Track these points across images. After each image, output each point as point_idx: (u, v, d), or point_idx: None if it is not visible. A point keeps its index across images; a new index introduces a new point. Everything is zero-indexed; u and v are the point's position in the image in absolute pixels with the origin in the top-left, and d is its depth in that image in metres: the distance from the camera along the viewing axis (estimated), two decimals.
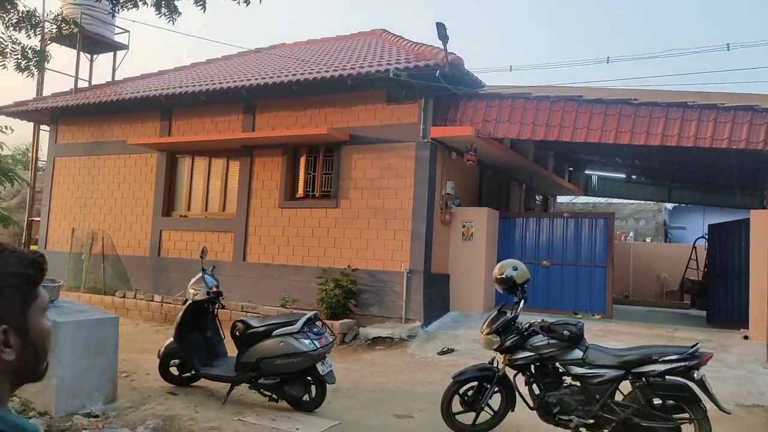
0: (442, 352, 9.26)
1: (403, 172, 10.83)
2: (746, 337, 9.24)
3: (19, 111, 15.06)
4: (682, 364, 5.00)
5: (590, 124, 9.63)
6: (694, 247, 14.77)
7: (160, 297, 12.32)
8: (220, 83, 12.31)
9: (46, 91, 16.74)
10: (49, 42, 9.76)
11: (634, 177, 16.08)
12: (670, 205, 19.72)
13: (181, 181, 13.63)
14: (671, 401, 5.09)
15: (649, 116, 9.24)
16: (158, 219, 13.52)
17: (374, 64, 10.93)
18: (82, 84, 16.79)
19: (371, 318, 10.71)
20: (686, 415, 5.02)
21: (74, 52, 16.28)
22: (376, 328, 10.21)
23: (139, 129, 13.94)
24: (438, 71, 9.84)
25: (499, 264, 5.97)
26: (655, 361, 5.07)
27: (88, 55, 17.79)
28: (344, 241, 11.21)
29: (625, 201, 19.00)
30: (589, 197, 18.67)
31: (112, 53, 17.98)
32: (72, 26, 8.84)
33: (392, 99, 10.92)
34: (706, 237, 12.71)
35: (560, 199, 18.92)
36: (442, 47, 9.98)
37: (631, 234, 19.27)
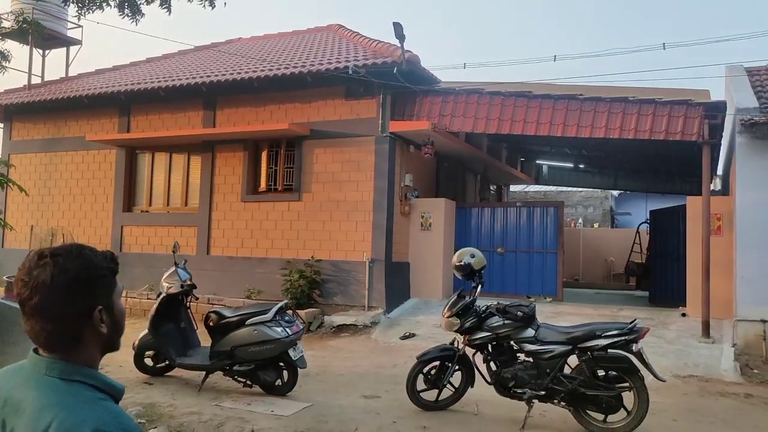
0: (405, 337, 9.72)
1: (364, 166, 11.22)
2: (684, 315, 9.99)
3: None
4: (622, 338, 5.56)
5: (540, 118, 10.20)
6: (637, 232, 15.62)
7: (124, 292, 12.43)
8: (179, 79, 12.44)
9: None
10: (3, 40, 9.72)
11: (582, 166, 16.86)
12: (616, 193, 20.66)
13: (142, 176, 13.71)
14: (613, 372, 5.65)
15: (594, 110, 9.86)
16: (119, 214, 13.59)
17: (333, 61, 11.26)
18: (35, 80, 16.57)
19: (335, 307, 11.10)
20: (626, 384, 5.58)
21: (25, 47, 16.06)
22: (340, 316, 10.62)
23: (97, 125, 13.94)
24: (395, 69, 10.25)
25: (458, 252, 6.45)
26: (598, 337, 5.63)
27: (40, 51, 17.54)
28: (307, 233, 11.55)
29: (575, 189, 19.84)
30: (541, 186, 19.43)
31: (64, 48, 17.77)
32: (33, 27, 8.91)
33: (351, 95, 11.27)
34: (648, 222, 13.53)
35: (513, 188, 19.64)
36: (398, 44, 10.38)
37: (580, 220, 20.14)
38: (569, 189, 20.03)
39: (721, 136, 10.45)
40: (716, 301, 9.22)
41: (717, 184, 14.57)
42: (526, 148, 15.91)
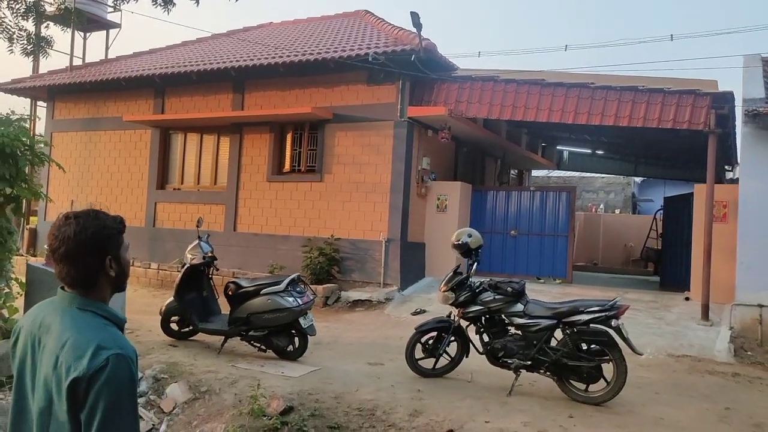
0: (416, 313, 10.24)
1: (383, 149, 11.70)
2: (687, 299, 10.29)
3: (17, 88, 15.73)
4: (603, 314, 5.99)
5: (552, 105, 10.53)
6: (654, 218, 15.79)
7: (156, 265, 13.24)
8: (210, 63, 13.05)
9: (41, 68, 17.38)
10: (47, 25, 10.42)
11: (601, 152, 17.04)
12: (639, 179, 20.73)
13: (175, 155, 14.43)
14: (595, 345, 6.08)
15: (605, 99, 10.15)
16: (153, 192, 14.35)
17: (355, 47, 11.70)
18: (76, 61, 17.40)
19: (352, 283, 11.67)
20: (606, 357, 6.01)
21: (67, 30, 16.86)
22: (356, 292, 11.19)
23: (133, 106, 14.68)
24: (413, 56, 10.66)
25: (457, 232, 6.93)
26: (581, 312, 6.07)
27: (81, 34, 18.37)
28: (328, 213, 12.11)
29: (597, 175, 19.99)
30: (563, 171, 19.65)
31: (104, 31, 18.57)
32: (74, 14, 9.57)
33: (372, 80, 11.72)
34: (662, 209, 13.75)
35: (536, 173, 19.89)
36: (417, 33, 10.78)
37: (602, 206, 20.30)
38: (591, 175, 20.19)
39: (734, 126, 10.64)
40: (719, 286, 9.51)
41: (738, 173, 14.65)
42: (546, 134, 16.16)
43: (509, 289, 6.36)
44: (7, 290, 5.73)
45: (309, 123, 12.48)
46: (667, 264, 12.67)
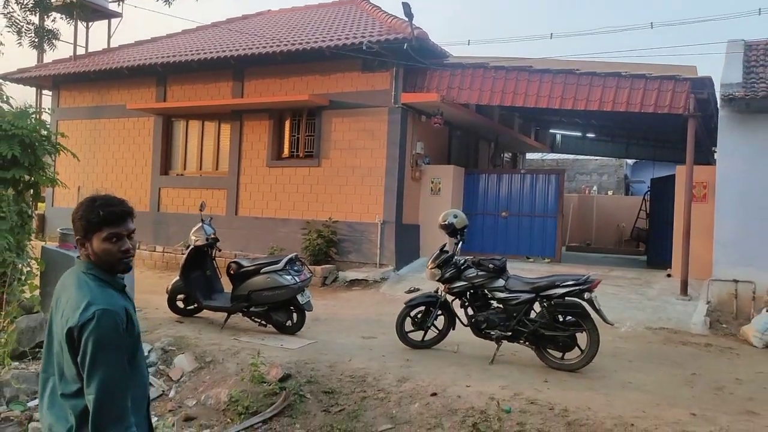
0: (409, 291, 10.71)
1: (378, 134, 12.12)
2: (669, 275, 10.76)
3: (22, 77, 16.14)
4: (577, 288, 6.46)
5: (539, 91, 10.93)
6: (644, 199, 16.21)
7: (161, 248, 13.75)
8: (210, 52, 13.44)
9: (46, 58, 17.76)
10: (53, 19, 10.82)
11: (592, 136, 17.44)
12: (631, 161, 21.12)
13: (177, 142, 14.88)
14: (570, 317, 6.56)
15: (589, 84, 10.55)
16: (157, 177, 14.82)
17: (350, 36, 12.08)
18: (79, 51, 17.78)
19: (350, 264, 12.16)
20: (581, 327, 6.49)
21: (71, 21, 17.23)
22: (353, 272, 11.68)
23: (136, 94, 15.09)
24: (406, 45, 11.05)
25: (443, 213, 7.39)
26: (557, 286, 6.54)
27: (84, 23, 18.72)
28: (325, 197, 12.57)
29: (590, 157, 20.38)
30: (558, 154, 20.04)
31: (106, 20, 18.92)
32: (77, 5, 9.96)
33: (367, 68, 12.11)
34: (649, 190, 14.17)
35: (530, 155, 20.30)
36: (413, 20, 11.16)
37: (595, 187, 20.72)
38: (585, 157, 20.59)
39: (717, 109, 11.02)
40: (700, 263, 9.96)
41: None
42: (538, 118, 16.54)
43: (491, 265, 6.83)
44: (28, 269, 6.22)
45: (307, 110, 12.90)
46: (653, 243, 13.13)
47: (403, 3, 10.40)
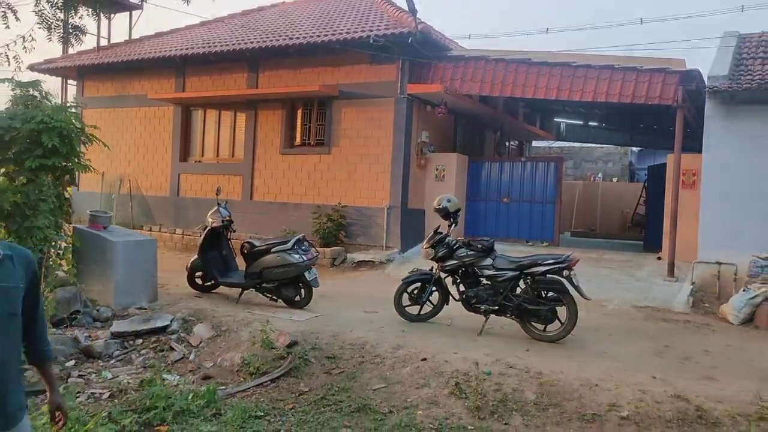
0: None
1: (384, 124, 12.75)
2: (659, 258, 11.31)
3: (49, 68, 16.95)
4: (557, 266, 7.09)
5: (538, 82, 11.48)
6: (644, 185, 16.68)
7: (181, 230, 14.55)
8: (227, 45, 14.12)
9: (70, 49, 18.52)
10: (80, 16, 11.52)
11: (595, 124, 17.92)
12: (636, 149, 21.52)
13: (195, 130, 15.63)
14: (551, 292, 7.19)
15: (584, 76, 11.08)
16: (176, 164, 15.59)
17: (359, 30, 12.67)
18: (102, 42, 18.51)
19: (357, 246, 12.85)
20: (561, 302, 7.12)
21: (95, 14, 17.93)
22: (360, 254, 12.37)
23: (156, 84, 15.84)
24: (410, 39, 11.63)
25: (438, 198, 8.03)
26: (539, 265, 7.17)
27: (106, 15, 19.41)
28: (335, 183, 13.25)
29: (595, 145, 20.83)
30: (564, 142, 20.50)
31: (128, 12, 19.61)
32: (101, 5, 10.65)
33: (375, 60, 12.71)
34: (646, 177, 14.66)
35: (536, 143, 20.80)
36: (419, 15, 11.73)
37: (600, 175, 21.19)
38: (591, 145, 21.03)
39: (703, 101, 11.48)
40: (688, 246, 10.51)
41: None
42: (543, 107, 17.02)
43: (480, 246, 7.48)
44: (65, 245, 6.97)
45: (317, 100, 13.55)
46: (650, 228, 13.66)
47: None
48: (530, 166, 13.47)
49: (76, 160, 6.72)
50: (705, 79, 10.40)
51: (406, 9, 13.22)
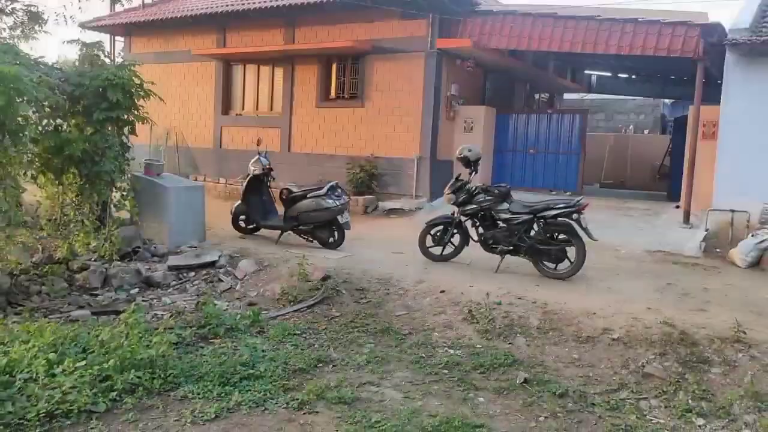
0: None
1: (415, 78, 13.29)
2: (678, 207, 11.74)
3: (97, 26, 17.84)
4: (567, 209, 7.72)
5: (563, 36, 11.84)
6: (670, 137, 16.90)
7: (224, 180, 15.50)
8: (265, 2, 14.71)
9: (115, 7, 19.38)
10: None
11: (625, 76, 18.08)
12: (668, 101, 21.48)
13: (236, 85, 16.41)
14: (562, 234, 7.84)
15: (609, 30, 11.39)
16: (218, 117, 16.45)
17: None
18: None
19: (388, 195, 13.58)
20: (570, 242, 7.76)
21: None
22: (391, 202, 13.13)
23: (199, 41, 16.59)
24: None
25: (460, 147, 8.68)
26: (551, 209, 7.82)
27: None
28: (368, 135, 13.93)
29: (628, 97, 20.90)
30: (596, 95, 20.65)
31: None
32: None
33: (406, 15, 13.17)
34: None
35: (568, 96, 20.99)
36: None
37: (632, 126, 21.31)
38: (624, 97, 21.10)
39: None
40: (706, 195, 10.94)
41: None
42: (573, 60, 17.22)
43: (497, 191, 8.16)
44: (129, 187, 7.89)
45: (351, 55, 14.13)
46: (673, 178, 14.02)
47: None
48: (556, 117, 13.90)
49: (136, 112, 7.58)
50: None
51: None
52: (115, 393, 4.44)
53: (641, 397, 5.01)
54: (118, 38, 18.91)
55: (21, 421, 4.00)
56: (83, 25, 17.63)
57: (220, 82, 16.35)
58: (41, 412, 4.06)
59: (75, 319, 6.27)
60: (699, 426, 4.60)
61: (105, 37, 19.20)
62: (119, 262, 7.66)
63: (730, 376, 5.18)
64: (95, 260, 7.74)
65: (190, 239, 9.15)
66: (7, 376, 4.41)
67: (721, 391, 5.01)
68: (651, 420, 4.65)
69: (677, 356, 5.46)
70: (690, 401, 4.88)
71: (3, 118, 5.32)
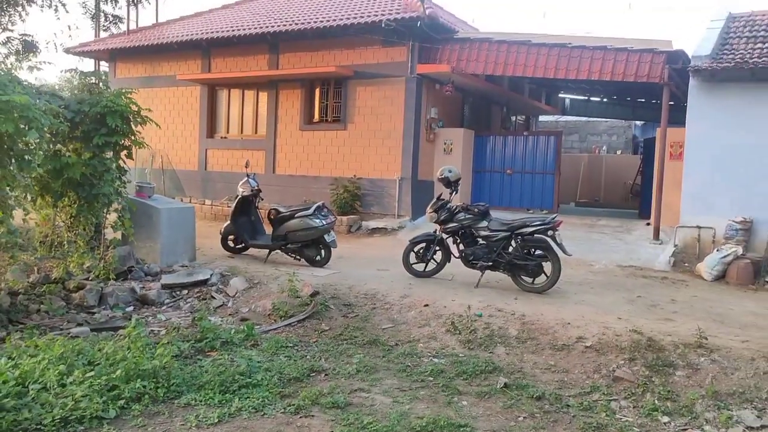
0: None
1: (396, 101, 13.80)
2: (648, 224, 12.30)
3: (83, 51, 18.14)
4: (543, 226, 8.17)
5: (537, 62, 12.44)
6: (641, 157, 17.58)
7: (209, 201, 15.79)
8: (249, 29, 15.16)
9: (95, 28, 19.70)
10: (120, 6, 12.65)
11: (597, 99, 18.79)
12: (639, 122, 22.29)
13: (221, 108, 16.79)
14: (538, 250, 8.29)
15: (579, 57, 12.01)
16: (204, 140, 16.79)
17: (372, 14, 13.65)
18: (131, 25, 19.63)
19: (371, 214, 13.99)
20: (546, 258, 8.21)
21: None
22: (374, 222, 13.53)
23: (184, 66, 16.96)
24: (419, 22, 12.62)
25: (440, 168, 9.13)
26: (528, 226, 8.26)
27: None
28: (351, 156, 14.37)
29: (601, 119, 21.66)
30: (570, 117, 21.36)
31: None
32: None
33: (386, 42, 13.70)
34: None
35: (544, 118, 21.68)
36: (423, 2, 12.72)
37: (605, 147, 22.04)
38: (597, 119, 21.85)
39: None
40: (673, 212, 11.51)
41: None
42: (547, 83, 17.89)
43: (476, 210, 8.60)
44: (126, 208, 8.18)
45: (334, 79, 14.61)
46: (643, 197, 14.64)
47: None
48: (532, 139, 14.47)
49: (133, 137, 7.93)
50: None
51: None
52: (122, 401, 4.73)
53: (612, 398, 5.41)
54: (102, 63, 19.20)
55: (38, 427, 4.28)
56: (69, 51, 17.91)
57: (205, 106, 16.71)
58: (56, 418, 4.34)
59: (75, 335, 6.53)
60: (664, 423, 5.00)
61: (89, 62, 19.53)
62: (114, 281, 7.93)
63: (693, 378, 5.61)
64: (91, 279, 8.00)
65: (181, 259, 9.44)
66: (20, 386, 4.69)
67: (684, 391, 5.43)
68: (620, 419, 5.05)
69: (645, 361, 5.88)
70: (656, 401, 5.29)
71: (11, 144, 5.63)
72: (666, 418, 5.06)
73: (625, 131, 22.21)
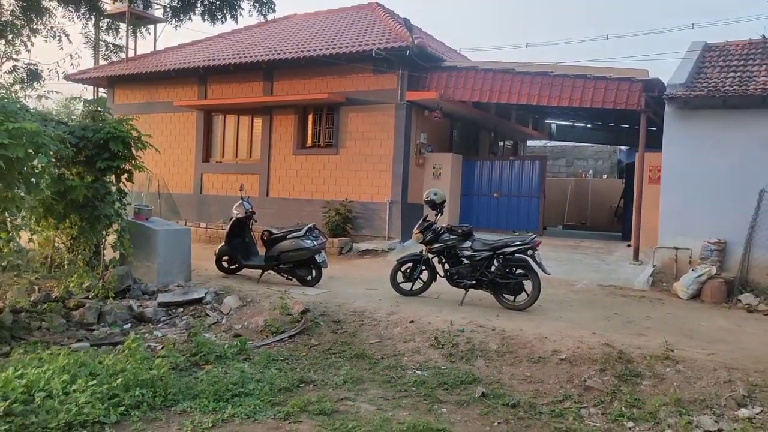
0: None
1: (386, 127, 14.28)
2: (629, 245, 12.73)
3: (83, 78, 18.62)
4: (523, 246, 8.58)
5: (520, 90, 12.97)
6: (623, 181, 18.07)
7: (205, 224, 16.15)
8: (244, 57, 15.69)
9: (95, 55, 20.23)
10: (120, 36, 13.14)
11: (582, 125, 19.37)
12: (624, 147, 22.85)
13: (216, 134, 17.24)
14: (519, 269, 8.68)
15: (561, 85, 12.55)
16: (199, 164, 17.21)
17: (362, 43, 14.20)
18: (130, 53, 20.18)
19: (362, 237, 14.38)
20: (527, 276, 8.60)
21: (122, 25, 19.61)
22: (365, 244, 13.91)
23: (181, 92, 17.46)
24: (408, 52, 13.15)
25: (427, 191, 9.56)
26: (509, 246, 8.67)
27: (133, 29, 21.07)
28: (342, 180, 14.80)
29: (587, 144, 22.23)
30: (558, 142, 21.92)
31: (153, 25, 21.28)
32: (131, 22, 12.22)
33: (377, 70, 14.24)
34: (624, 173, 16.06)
35: (531, 143, 22.24)
36: (420, 27, 13.26)
37: (591, 172, 22.58)
38: (583, 144, 22.42)
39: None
40: (652, 234, 11.93)
41: None
42: (534, 109, 18.44)
43: (460, 231, 9.01)
44: (125, 229, 8.55)
45: (326, 106, 15.11)
46: (625, 219, 15.10)
47: (404, 19, 12.48)
48: (518, 164, 14.95)
49: (134, 162, 8.35)
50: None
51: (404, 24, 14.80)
52: (123, 408, 5.06)
53: (582, 406, 5.76)
54: (101, 90, 19.69)
55: (44, 430, 4.61)
56: (69, 78, 18.38)
57: (201, 131, 17.17)
58: (61, 422, 4.67)
59: (76, 350, 6.85)
60: (629, 428, 5.36)
61: (89, 89, 20.01)
62: (113, 300, 8.27)
63: (659, 387, 5.98)
64: (90, 298, 8.34)
65: (177, 278, 9.78)
66: (26, 394, 5.03)
67: (650, 399, 5.79)
68: (589, 424, 5.40)
69: (614, 371, 6.25)
70: (623, 408, 5.65)
71: (20, 167, 6.03)
72: (631, 423, 5.41)
73: (611, 156, 22.77)
